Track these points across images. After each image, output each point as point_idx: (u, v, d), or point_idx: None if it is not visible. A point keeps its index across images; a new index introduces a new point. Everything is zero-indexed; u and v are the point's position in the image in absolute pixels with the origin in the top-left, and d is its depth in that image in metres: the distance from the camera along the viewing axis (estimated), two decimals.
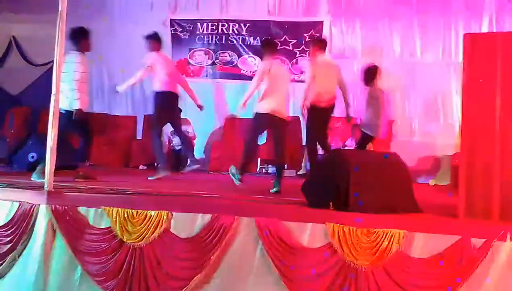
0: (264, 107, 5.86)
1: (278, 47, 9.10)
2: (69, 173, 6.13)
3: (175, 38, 9.58)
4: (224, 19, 9.50)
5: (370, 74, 6.78)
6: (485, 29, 7.94)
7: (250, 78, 8.72)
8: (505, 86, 4.09)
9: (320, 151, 6.81)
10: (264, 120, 5.86)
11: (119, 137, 9.21)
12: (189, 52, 9.63)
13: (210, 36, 9.57)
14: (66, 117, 6.04)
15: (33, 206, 4.87)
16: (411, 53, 8.48)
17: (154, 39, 7.01)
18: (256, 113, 5.90)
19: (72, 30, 6.23)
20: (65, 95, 6.03)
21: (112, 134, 9.19)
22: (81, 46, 6.30)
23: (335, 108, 6.58)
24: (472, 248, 3.88)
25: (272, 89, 5.88)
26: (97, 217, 4.78)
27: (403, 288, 3.98)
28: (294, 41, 9.20)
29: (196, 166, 6.84)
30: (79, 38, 6.30)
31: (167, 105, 6.79)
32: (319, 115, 6.47)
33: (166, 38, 9.49)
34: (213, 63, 9.56)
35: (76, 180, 6.03)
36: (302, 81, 8.79)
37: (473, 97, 4.17)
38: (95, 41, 9.36)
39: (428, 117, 8.31)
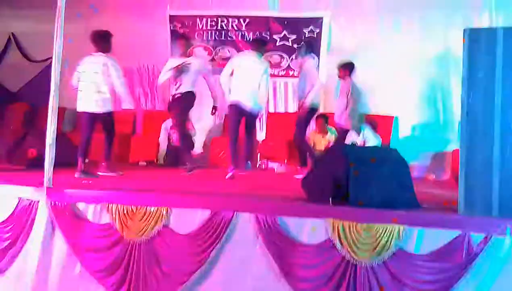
0: None
1: (277, 43, 9.17)
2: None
3: (174, 34, 9.55)
4: (224, 15, 9.46)
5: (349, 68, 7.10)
6: (485, 23, 7.92)
7: None
8: (505, 80, 4.08)
9: None
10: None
11: (118, 133, 9.18)
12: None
13: (209, 32, 9.54)
14: (111, 118, 6.42)
15: (33, 202, 4.88)
16: (411, 48, 8.45)
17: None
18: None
19: (98, 33, 6.46)
20: (97, 97, 6.28)
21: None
22: (107, 48, 6.45)
23: None
24: (472, 243, 3.88)
25: None
26: (96, 213, 4.78)
27: (403, 284, 3.99)
28: (294, 36, 9.17)
29: (195, 170, 6.93)
30: (106, 40, 6.45)
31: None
32: None
33: (166, 34, 9.51)
34: (213, 59, 9.53)
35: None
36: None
37: (473, 92, 4.15)
38: None
39: (427, 112, 8.29)
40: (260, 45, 6.96)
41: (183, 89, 6.98)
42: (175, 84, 7.04)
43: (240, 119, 6.69)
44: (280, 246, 4.26)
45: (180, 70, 6.95)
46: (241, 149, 6.76)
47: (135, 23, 9.46)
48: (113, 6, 9.73)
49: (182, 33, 7.91)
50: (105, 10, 9.57)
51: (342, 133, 7.17)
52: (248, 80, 6.60)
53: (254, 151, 6.86)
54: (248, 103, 6.57)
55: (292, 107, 8.86)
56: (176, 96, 7.04)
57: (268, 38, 9.17)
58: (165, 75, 7.17)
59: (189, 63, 7.02)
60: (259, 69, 6.63)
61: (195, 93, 7.04)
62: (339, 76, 7.22)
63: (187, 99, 7.03)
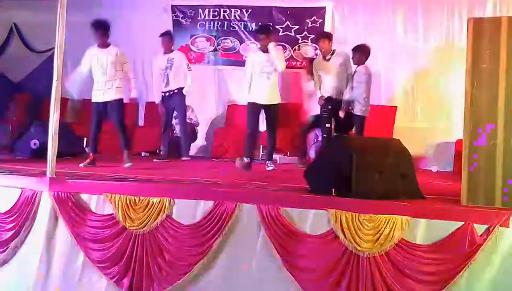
0: None
1: (280, 34, 9.14)
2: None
3: (177, 25, 9.51)
4: (226, 5, 9.41)
5: (365, 53, 6.87)
6: (489, 13, 7.87)
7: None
8: (509, 70, 4.06)
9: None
10: None
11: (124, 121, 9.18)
12: (190, 38, 9.57)
13: (211, 22, 9.50)
14: (118, 106, 6.47)
15: (36, 193, 4.89)
16: (414, 38, 8.41)
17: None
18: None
19: (103, 22, 6.51)
20: (112, 86, 6.41)
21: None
22: (108, 36, 6.53)
23: None
24: (475, 234, 3.88)
25: None
26: (99, 203, 4.80)
27: (405, 274, 3.99)
28: (296, 27, 9.13)
29: (186, 158, 7.41)
30: (108, 31, 6.51)
31: None
32: None
33: (168, 24, 9.47)
34: (215, 50, 9.50)
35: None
36: (304, 67, 8.78)
37: (476, 82, 4.14)
38: None
39: (431, 102, 8.25)
40: (267, 34, 6.79)
41: (174, 86, 7.53)
42: (163, 82, 7.59)
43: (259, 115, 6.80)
44: (283, 237, 4.26)
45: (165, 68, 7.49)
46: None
47: (137, 13, 9.44)
48: None
49: (165, 31, 7.90)
50: (105, 2, 9.54)
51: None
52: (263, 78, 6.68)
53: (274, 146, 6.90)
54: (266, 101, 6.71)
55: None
56: (168, 94, 7.58)
57: (272, 29, 9.13)
58: (155, 68, 7.74)
59: (172, 58, 7.57)
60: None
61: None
62: (355, 62, 6.91)
63: (182, 96, 7.60)
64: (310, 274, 4.19)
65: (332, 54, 7.00)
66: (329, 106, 6.89)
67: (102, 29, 6.44)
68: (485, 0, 7.99)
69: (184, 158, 7.40)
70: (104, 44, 6.48)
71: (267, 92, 6.67)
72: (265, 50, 6.67)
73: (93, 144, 6.56)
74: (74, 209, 4.78)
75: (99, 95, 6.47)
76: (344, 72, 6.94)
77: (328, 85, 7.01)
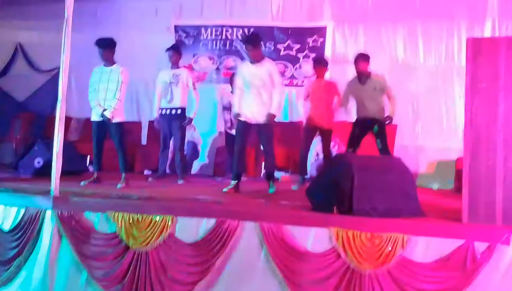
0: None
1: (282, 52, 9.22)
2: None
3: (179, 44, 9.61)
4: (228, 25, 9.52)
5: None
6: (487, 33, 7.95)
7: None
8: (508, 90, 4.10)
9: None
10: None
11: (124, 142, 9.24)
12: (193, 57, 9.67)
13: (214, 41, 9.61)
14: (120, 128, 6.38)
15: (39, 211, 4.92)
16: (414, 57, 8.49)
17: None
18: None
19: (108, 41, 6.44)
20: (109, 105, 6.31)
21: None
22: (113, 57, 6.48)
23: None
24: (476, 252, 3.90)
25: None
26: (102, 222, 4.82)
27: None
28: (298, 46, 9.22)
29: (181, 182, 7.11)
30: (113, 49, 6.46)
31: None
32: None
33: (171, 44, 9.56)
34: (217, 69, 9.59)
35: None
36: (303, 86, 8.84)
37: (476, 101, 4.18)
38: None
39: (431, 121, 8.30)
40: (254, 45, 6.06)
41: (176, 104, 7.16)
42: (166, 98, 7.19)
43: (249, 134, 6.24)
44: (285, 254, 4.27)
45: (170, 83, 7.16)
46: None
47: (140, 33, 9.54)
48: (118, 16, 9.82)
49: (173, 45, 7.70)
50: (109, 21, 9.65)
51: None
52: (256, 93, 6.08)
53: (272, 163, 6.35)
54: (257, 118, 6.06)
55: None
56: (169, 111, 7.19)
57: (273, 48, 9.24)
58: (159, 83, 7.31)
59: (178, 74, 7.21)
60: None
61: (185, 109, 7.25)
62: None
63: (184, 118, 7.22)
64: None
65: (368, 77, 6.68)
66: (356, 131, 6.75)
67: (106, 47, 6.40)
68: (484, 20, 8.08)
69: (179, 182, 7.16)
70: (109, 62, 6.44)
71: (257, 108, 6.02)
72: (253, 61, 6.08)
73: (96, 162, 6.58)
74: (77, 228, 4.81)
75: (98, 115, 6.41)
76: (379, 96, 6.68)
77: (360, 109, 6.80)
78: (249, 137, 6.23)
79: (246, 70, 6.12)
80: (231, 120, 7.63)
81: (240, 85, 6.14)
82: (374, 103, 6.62)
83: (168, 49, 7.36)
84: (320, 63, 6.99)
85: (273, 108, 6.00)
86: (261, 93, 6.00)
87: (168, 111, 7.22)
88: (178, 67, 7.34)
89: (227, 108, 7.88)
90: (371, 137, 6.69)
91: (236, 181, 6.03)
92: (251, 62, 6.11)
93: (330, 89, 6.88)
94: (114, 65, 6.45)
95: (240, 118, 6.08)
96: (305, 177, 6.86)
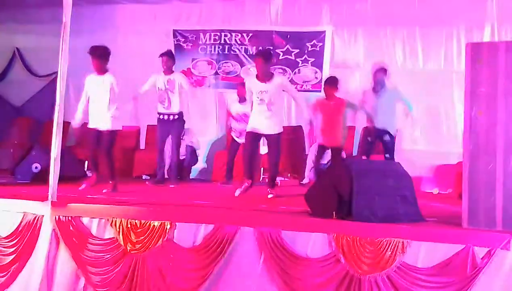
0: None
1: (280, 57, 9.22)
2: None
3: (178, 49, 9.60)
4: (227, 30, 9.52)
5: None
6: (487, 38, 7.95)
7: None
8: (507, 94, 4.09)
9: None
10: None
11: (121, 147, 9.22)
12: (192, 62, 9.66)
13: (212, 46, 9.60)
14: (109, 136, 6.26)
15: (37, 217, 4.89)
16: (414, 62, 8.49)
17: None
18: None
19: (102, 49, 6.32)
20: (105, 115, 6.21)
21: (115, 145, 9.14)
22: (106, 63, 6.35)
23: None
24: (476, 257, 3.88)
25: None
26: (100, 227, 4.79)
27: None
28: (297, 50, 9.22)
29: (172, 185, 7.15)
30: (107, 58, 6.34)
31: None
32: None
33: (169, 48, 9.56)
34: (216, 73, 9.59)
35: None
36: (304, 90, 8.85)
37: (475, 106, 4.17)
38: None
39: (430, 126, 8.30)
40: (267, 58, 6.11)
41: (174, 109, 7.19)
42: (163, 104, 7.22)
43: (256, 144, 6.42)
44: (284, 260, 4.25)
45: (166, 89, 7.16)
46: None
47: (138, 37, 9.54)
48: (116, 21, 9.82)
49: (166, 51, 7.53)
50: (108, 26, 9.64)
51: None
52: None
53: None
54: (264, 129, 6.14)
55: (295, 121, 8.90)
56: (167, 117, 7.22)
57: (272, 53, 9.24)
58: (147, 87, 7.32)
59: (173, 80, 7.20)
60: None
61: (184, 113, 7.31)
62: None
63: (181, 122, 7.30)
64: None
65: (383, 87, 6.83)
66: (368, 138, 6.83)
67: (99, 56, 6.27)
68: (483, 24, 8.09)
69: (171, 186, 7.14)
70: (101, 71, 6.30)
71: (266, 121, 6.07)
72: (261, 77, 6.05)
73: (93, 166, 6.51)
74: (75, 233, 4.78)
75: (94, 123, 6.33)
76: (393, 106, 6.85)
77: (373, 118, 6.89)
78: (257, 145, 6.44)
79: (254, 87, 6.11)
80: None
81: (250, 100, 6.32)
82: (388, 114, 6.72)
83: (162, 55, 7.31)
84: (332, 84, 6.86)
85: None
86: (271, 108, 6.02)
87: (166, 117, 7.27)
88: (172, 72, 7.32)
89: (237, 119, 8.02)
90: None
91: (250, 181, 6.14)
92: (258, 77, 6.08)
93: (339, 109, 6.82)
94: (106, 74, 6.31)
95: (249, 130, 6.19)
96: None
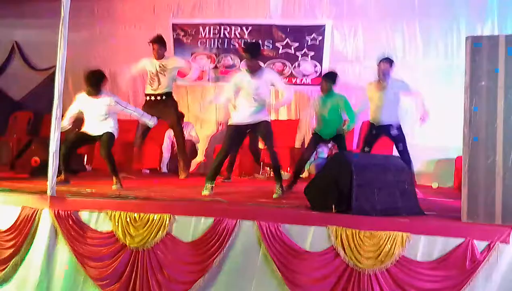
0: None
1: (280, 51, 9.20)
2: None
3: (177, 42, 9.59)
4: (226, 23, 9.50)
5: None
6: (487, 30, 7.93)
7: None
8: (507, 88, 4.08)
9: None
10: None
11: (121, 141, 9.21)
12: (191, 56, 9.64)
13: (212, 40, 9.58)
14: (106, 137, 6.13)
15: (36, 211, 4.89)
16: (414, 55, 8.47)
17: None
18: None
19: (97, 74, 6.14)
20: (105, 127, 6.12)
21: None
22: (101, 87, 6.15)
23: None
24: (475, 250, 3.88)
25: None
26: (99, 221, 4.79)
27: None
28: (296, 44, 9.20)
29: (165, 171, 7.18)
30: (102, 79, 6.16)
31: None
32: None
33: (169, 42, 9.53)
34: (215, 67, 9.57)
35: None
36: (304, 84, 8.84)
37: (475, 99, 4.15)
38: (97, 44, 9.40)
39: (430, 119, 8.28)
40: (254, 54, 5.79)
41: (162, 90, 7.09)
42: (152, 85, 7.15)
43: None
44: (283, 253, 4.25)
45: (157, 73, 7.06)
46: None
47: (137, 31, 9.51)
48: (115, 14, 9.79)
49: (156, 36, 7.27)
50: (107, 19, 9.62)
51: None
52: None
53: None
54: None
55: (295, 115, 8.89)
56: (154, 97, 7.14)
57: (271, 46, 9.23)
58: (135, 69, 7.27)
59: (165, 64, 7.12)
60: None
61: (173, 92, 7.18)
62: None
63: (172, 102, 7.17)
64: None
65: (388, 78, 6.62)
66: (373, 132, 6.71)
67: (95, 81, 6.08)
68: (484, 17, 8.06)
69: (163, 171, 7.04)
70: (96, 94, 6.10)
71: (252, 113, 5.76)
72: (251, 72, 5.76)
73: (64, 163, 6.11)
74: (74, 227, 4.78)
75: (88, 130, 6.22)
76: (398, 100, 6.71)
77: (378, 110, 6.70)
78: (240, 139, 6.07)
79: (245, 80, 5.78)
80: None
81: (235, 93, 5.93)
82: (392, 107, 6.62)
83: (152, 42, 7.14)
84: (330, 79, 6.55)
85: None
86: (258, 100, 5.72)
87: (153, 98, 7.20)
88: (163, 57, 7.22)
89: None
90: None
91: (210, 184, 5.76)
92: (249, 72, 5.79)
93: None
94: (102, 97, 6.11)
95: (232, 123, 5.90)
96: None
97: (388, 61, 6.68)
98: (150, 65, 7.23)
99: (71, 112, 6.27)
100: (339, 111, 6.47)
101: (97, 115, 6.13)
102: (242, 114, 5.82)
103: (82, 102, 6.20)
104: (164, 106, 7.22)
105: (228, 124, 6.04)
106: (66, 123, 6.21)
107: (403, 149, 6.57)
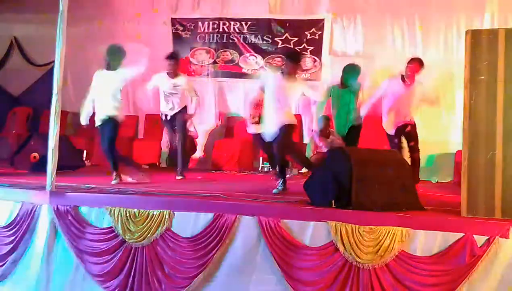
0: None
1: (279, 45, 9.18)
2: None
3: (176, 37, 9.59)
4: (225, 18, 9.49)
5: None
6: (487, 25, 7.92)
7: (251, 76, 8.74)
8: (507, 82, 4.07)
9: None
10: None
11: (120, 137, 9.21)
12: (190, 51, 9.64)
13: (211, 35, 9.57)
14: (114, 124, 6.14)
15: (35, 206, 4.88)
16: (413, 50, 8.45)
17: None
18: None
19: (119, 48, 6.22)
20: (111, 105, 6.11)
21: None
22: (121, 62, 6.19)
23: None
24: (475, 245, 3.88)
25: None
26: (99, 216, 4.78)
27: (405, 286, 3.98)
28: (295, 39, 9.19)
29: (179, 177, 6.96)
30: (123, 56, 6.20)
31: None
32: None
33: (168, 37, 9.54)
34: (215, 62, 9.56)
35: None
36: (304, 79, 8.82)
37: (475, 93, 4.15)
38: (96, 40, 9.36)
39: (430, 114, 8.27)
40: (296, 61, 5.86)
41: (177, 108, 7.08)
42: (167, 103, 7.08)
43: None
44: (283, 249, 4.25)
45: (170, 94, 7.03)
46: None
47: (137, 26, 9.50)
48: (114, 10, 9.77)
49: (172, 53, 7.30)
50: (106, 14, 9.60)
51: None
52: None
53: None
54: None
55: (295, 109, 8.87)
56: (170, 117, 7.14)
57: (270, 41, 9.22)
58: (151, 86, 7.20)
59: (178, 86, 7.02)
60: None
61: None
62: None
63: (183, 116, 7.16)
64: (310, 286, 4.17)
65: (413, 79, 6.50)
66: (395, 140, 6.54)
67: (117, 56, 6.16)
68: (483, 11, 8.05)
69: (178, 177, 7.04)
70: (115, 69, 6.15)
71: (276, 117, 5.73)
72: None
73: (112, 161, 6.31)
74: (73, 223, 4.77)
75: (98, 114, 6.22)
76: (415, 101, 6.60)
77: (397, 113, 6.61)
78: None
79: (277, 83, 5.74)
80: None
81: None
82: (409, 107, 6.54)
83: (167, 58, 7.05)
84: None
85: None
86: (283, 106, 5.72)
87: (169, 117, 7.17)
88: (177, 76, 7.10)
89: None
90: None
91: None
92: (284, 75, 5.75)
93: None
94: (122, 69, 6.18)
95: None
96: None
97: (419, 61, 6.53)
98: (164, 85, 7.07)
99: (89, 98, 6.25)
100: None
101: (112, 89, 6.11)
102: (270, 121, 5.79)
103: (101, 77, 6.18)
104: (178, 119, 7.18)
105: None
106: (84, 122, 6.28)
107: (414, 144, 6.50)
